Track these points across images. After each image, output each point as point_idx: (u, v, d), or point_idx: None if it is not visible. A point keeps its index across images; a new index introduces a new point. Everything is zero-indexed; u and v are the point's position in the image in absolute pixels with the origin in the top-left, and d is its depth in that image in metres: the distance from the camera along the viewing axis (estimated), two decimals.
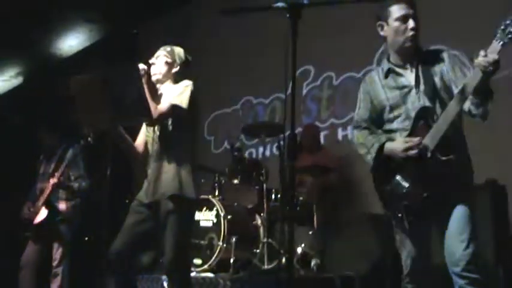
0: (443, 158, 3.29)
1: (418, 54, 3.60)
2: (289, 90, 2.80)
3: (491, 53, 3.07)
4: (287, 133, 2.76)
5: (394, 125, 3.63)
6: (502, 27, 3.05)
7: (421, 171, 3.39)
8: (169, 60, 4.33)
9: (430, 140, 3.35)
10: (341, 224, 6.33)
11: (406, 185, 3.45)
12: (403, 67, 3.63)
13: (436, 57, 3.56)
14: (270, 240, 6.06)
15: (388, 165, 3.56)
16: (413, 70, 3.58)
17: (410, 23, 3.51)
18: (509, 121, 5.76)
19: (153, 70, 4.28)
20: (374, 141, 3.66)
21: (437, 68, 3.52)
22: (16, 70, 12.31)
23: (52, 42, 11.14)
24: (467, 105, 3.30)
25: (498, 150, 5.71)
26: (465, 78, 3.29)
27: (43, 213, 6.29)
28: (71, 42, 11.14)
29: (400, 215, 3.46)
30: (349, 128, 7.45)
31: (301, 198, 6.39)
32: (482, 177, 5.03)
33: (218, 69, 9.22)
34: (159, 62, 4.31)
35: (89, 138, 5.36)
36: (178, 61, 4.35)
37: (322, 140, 7.62)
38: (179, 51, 4.41)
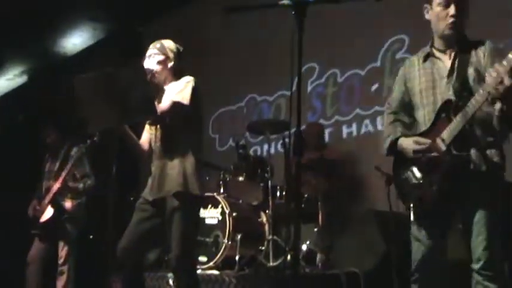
0: (456, 153, 3.30)
1: (460, 42, 3.55)
2: (294, 88, 2.81)
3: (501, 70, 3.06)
4: (292, 130, 2.77)
5: (420, 114, 3.62)
6: None
7: (433, 165, 3.40)
8: (161, 57, 4.29)
9: (447, 134, 3.35)
10: (346, 221, 6.33)
11: (419, 176, 3.47)
12: (444, 52, 3.59)
13: (476, 48, 3.51)
14: (275, 237, 6.06)
15: (403, 154, 3.59)
16: (452, 57, 3.54)
17: (451, 10, 3.46)
18: None
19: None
20: (391, 131, 3.71)
21: (474, 59, 3.47)
22: (20, 69, 12.31)
23: (56, 41, 11.14)
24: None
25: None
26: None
27: (49, 212, 6.32)
28: (75, 40, 11.14)
29: (411, 205, 3.48)
30: (354, 125, 7.46)
31: (306, 195, 6.39)
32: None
33: (223, 66, 9.21)
34: (152, 63, 4.27)
35: (95, 138, 5.38)
36: (171, 55, 4.32)
37: (326, 138, 7.61)
38: (169, 44, 4.37)
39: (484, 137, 3.40)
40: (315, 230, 6.29)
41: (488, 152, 3.38)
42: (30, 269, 6.38)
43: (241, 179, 6.56)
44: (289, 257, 5.66)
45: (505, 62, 3.07)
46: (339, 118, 7.80)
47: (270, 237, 6.07)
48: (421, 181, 3.46)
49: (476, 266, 3.31)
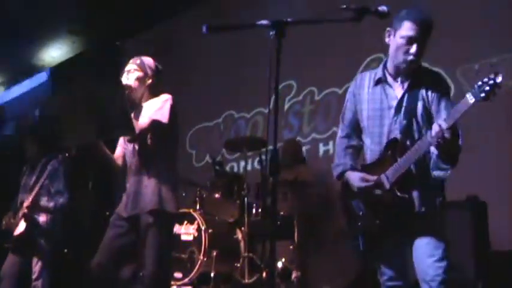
0: (399, 195, 3.37)
1: (414, 73, 3.53)
2: (272, 105, 2.82)
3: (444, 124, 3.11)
4: (269, 147, 2.78)
5: (367, 141, 3.66)
6: (479, 83, 3.04)
7: (376, 201, 3.48)
8: (140, 74, 4.25)
9: (392, 173, 3.41)
10: (321, 239, 6.35)
11: (363, 208, 3.55)
12: (396, 80, 3.58)
13: (430, 81, 3.51)
14: (250, 254, 6.06)
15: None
16: (403, 88, 3.53)
17: (413, 48, 3.42)
18: (492, 138, 5.84)
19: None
20: (341, 162, 3.75)
21: (425, 93, 3.48)
22: None
23: (35, 53, 11.11)
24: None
25: (479, 167, 5.75)
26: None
27: (22, 226, 6.25)
28: (54, 53, 11.10)
29: (356, 235, 3.58)
30: (331, 143, 7.49)
31: (282, 213, 6.39)
32: (463, 193, 5.10)
33: (201, 83, 9.24)
34: (130, 78, 4.24)
35: (72, 152, 5.34)
36: (150, 72, 4.29)
37: (304, 155, 7.62)
38: (149, 61, 4.34)
39: (427, 178, 3.44)
40: (291, 247, 6.30)
41: (429, 193, 3.44)
42: (3, 284, 6.29)
43: (217, 195, 6.57)
44: (264, 274, 5.66)
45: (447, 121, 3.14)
46: (316, 136, 7.84)
47: (246, 254, 6.07)
48: (365, 213, 3.54)
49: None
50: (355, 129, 3.78)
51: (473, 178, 5.59)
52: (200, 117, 9.35)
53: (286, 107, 8.20)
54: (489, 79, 3.00)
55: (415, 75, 3.52)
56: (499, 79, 2.98)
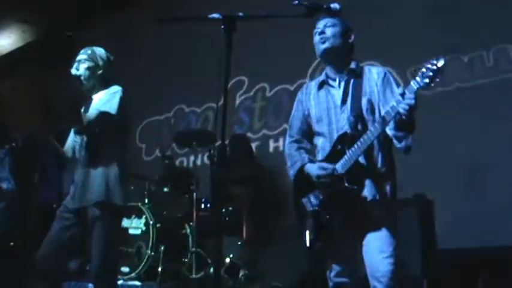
0: (348, 186, 3.40)
1: (350, 70, 3.65)
2: (222, 100, 2.82)
3: (408, 94, 3.15)
4: (217, 143, 2.79)
5: (319, 142, 3.71)
6: (423, 70, 3.09)
7: (328, 195, 3.51)
8: (90, 64, 4.19)
9: (341, 166, 3.43)
10: (271, 236, 6.37)
11: (316, 203, 3.57)
12: (335, 80, 3.68)
13: (368, 76, 3.62)
14: (198, 249, 6.05)
15: (308, 180, 3.63)
16: (342, 85, 3.63)
17: (320, 37, 3.62)
18: (440, 138, 5.93)
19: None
20: (297, 159, 3.76)
21: (367, 88, 3.58)
22: None
23: None
24: (391, 133, 3.39)
25: (428, 166, 5.84)
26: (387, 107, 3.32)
27: None
28: (3, 41, 10.90)
29: (304, 232, 3.59)
30: (281, 139, 7.52)
31: (230, 208, 6.39)
32: (411, 191, 5.17)
33: (152, 76, 9.19)
34: (81, 69, 4.17)
35: (17, 143, 5.25)
36: (101, 63, 4.23)
37: (253, 151, 7.63)
38: (100, 52, 4.28)
39: (377, 168, 3.50)
40: (239, 243, 6.31)
41: (380, 183, 3.48)
42: None
43: (166, 189, 6.55)
44: (211, 269, 5.66)
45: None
46: (266, 132, 7.86)
47: (193, 249, 6.06)
48: (316, 208, 3.56)
49: (379, 285, 3.36)
50: (305, 135, 3.84)
51: (421, 176, 5.67)
52: (151, 111, 9.32)
53: (237, 102, 8.20)
54: (432, 64, 3.05)
55: (352, 73, 3.63)
56: (441, 63, 3.03)
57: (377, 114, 3.49)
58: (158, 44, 9.09)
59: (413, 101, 3.11)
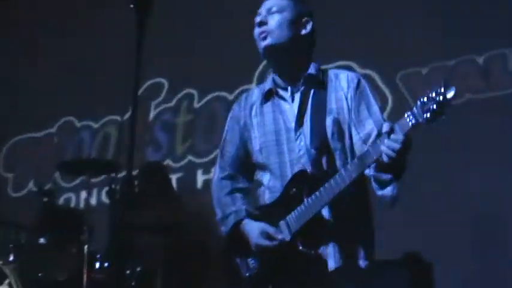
0: (303, 250, 3.34)
1: (307, 76, 3.57)
2: (130, 112, 2.84)
3: (397, 135, 3.00)
4: (122, 174, 2.83)
5: (266, 180, 3.64)
6: (422, 100, 2.92)
7: (272, 260, 3.45)
8: None
9: (294, 220, 3.37)
10: None
11: (255, 265, 3.53)
12: (286, 89, 3.60)
13: (335, 85, 3.55)
14: None
15: (245, 237, 3.57)
16: (297, 99, 3.55)
17: (260, 30, 3.58)
18: (440, 176, 6.06)
19: None
20: (230, 211, 3.68)
21: (333, 103, 3.50)
22: None
23: None
24: (370, 173, 3.30)
25: (422, 216, 5.94)
26: (366, 145, 3.26)
27: None
28: None
29: None
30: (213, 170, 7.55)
31: (138, 268, 6.40)
32: (400, 250, 5.29)
33: (27, 76, 9.14)
34: None
35: None
36: None
37: (174, 186, 7.66)
38: None
39: (345, 226, 3.40)
40: None
41: (349, 244, 3.41)
42: None
43: (43, 241, 6.52)
44: None
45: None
46: (193, 159, 7.89)
47: None
48: (255, 273, 3.52)
49: None
50: (242, 167, 3.80)
51: (414, 230, 5.79)
52: (22, 125, 9.24)
53: (151, 115, 8.21)
54: (437, 93, 2.87)
55: (310, 80, 3.56)
56: (450, 94, 2.86)
57: (347, 141, 3.43)
58: (39, 30, 9.07)
59: (400, 146, 2.97)
